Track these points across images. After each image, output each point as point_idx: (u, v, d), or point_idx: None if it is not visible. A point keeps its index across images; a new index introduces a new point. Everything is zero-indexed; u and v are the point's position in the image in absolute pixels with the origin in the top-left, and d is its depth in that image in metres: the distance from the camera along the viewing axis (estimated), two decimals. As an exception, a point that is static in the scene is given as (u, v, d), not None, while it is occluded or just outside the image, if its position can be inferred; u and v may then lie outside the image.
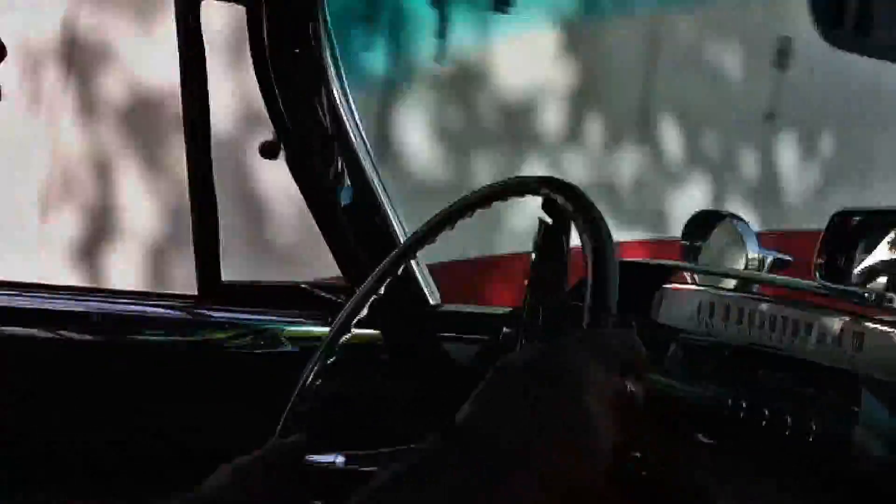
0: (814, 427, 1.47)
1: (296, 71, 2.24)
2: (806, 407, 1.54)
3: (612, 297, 1.06)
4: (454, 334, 2.34)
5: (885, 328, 1.65)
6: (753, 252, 2.17)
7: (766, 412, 1.53)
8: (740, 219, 2.28)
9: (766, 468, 1.61)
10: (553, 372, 0.87)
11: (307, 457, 1.46)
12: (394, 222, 2.37)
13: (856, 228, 1.51)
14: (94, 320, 2.21)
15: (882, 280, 1.53)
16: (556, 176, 1.44)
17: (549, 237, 1.32)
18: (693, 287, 2.06)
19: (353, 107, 2.36)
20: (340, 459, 1.52)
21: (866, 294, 1.46)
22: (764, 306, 1.86)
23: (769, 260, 2.21)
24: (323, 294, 2.40)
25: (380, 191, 2.38)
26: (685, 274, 2.16)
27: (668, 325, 1.99)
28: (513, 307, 2.22)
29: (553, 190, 1.40)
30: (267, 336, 2.34)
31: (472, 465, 0.82)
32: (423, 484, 0.81)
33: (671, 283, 2.09)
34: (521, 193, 1.63)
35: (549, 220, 1.32)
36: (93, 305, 2.27)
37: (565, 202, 1.30)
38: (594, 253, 1.18)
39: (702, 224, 2.32)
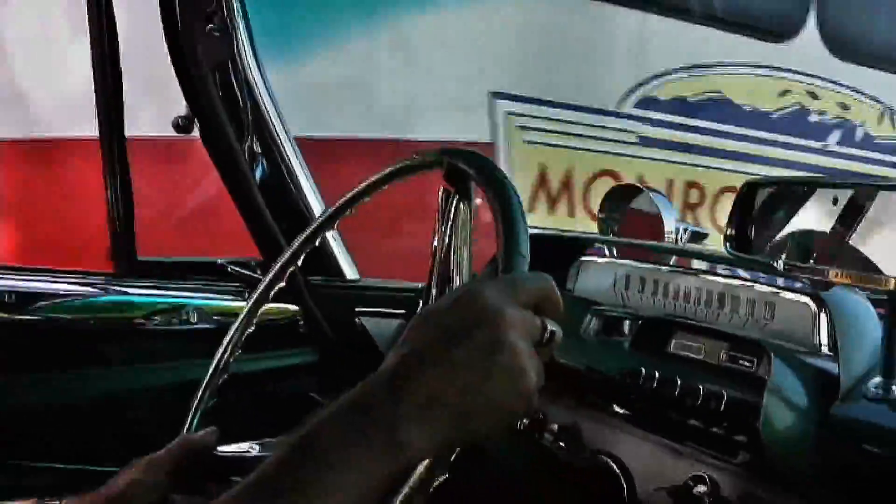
0: (725, 396, 1.48)
1: (208, 46, 2.21)
2: (718, 376, 1.55)
3: (524, 245, 1.06)
4: (371, 309, 2.33)
5: (795, 297, 1.66)
6: (670, 225, 2.18)
7: (679, 382, 1.54)
8: (658, 192, 2.29)
9: (677, 437, 1.62)
10: (472, 312, 0.87)
11: (218, 448, 1.45)
12: (309, 197, 2.35)
13: (765, 198, 1.52)
14: (6, 299, 2.16)
15: (792, 249, 1.54)
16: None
17: (453, 204, 1.32)
18: (609, 259, 2.07)
19: (268, 82, 2.33)
20: (254, 448, 1.50)
21: (776, 263, 1.47)
22: (679, 278, 1.87)
23: (686, 232, 2.22)
24: (239, 270, 2.37)
25: (296, 166, 2.35)
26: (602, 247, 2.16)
27: (584, 297, 1.99)
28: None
29: (454, 158, 1.41)
30: (184, 312, 2.31)
31: (396, 404, 0.82)
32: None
33: (588, 255, 2.09)
34: (429, 167, 1.64)
35: (451, 188, 1.32)
36: (5, 284, 2.22)
37: (468, 167, 1.30)
38: (502, 208, 1.19)
39: (619, 197, 2.33)
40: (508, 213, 1.12)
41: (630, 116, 5.04)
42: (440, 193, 1.30)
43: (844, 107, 5.74)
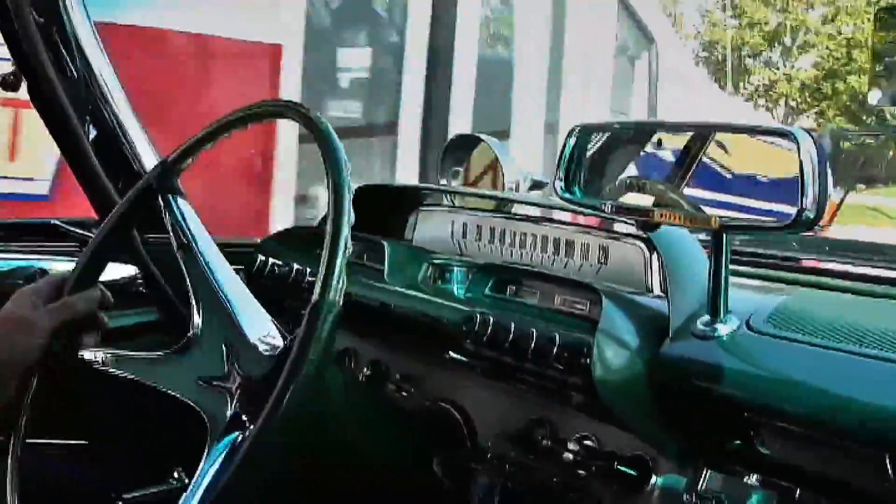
0: (557, 339, 1.48)
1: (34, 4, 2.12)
2: (552, 320, 1.55)
3: (348, 214, 1.06)
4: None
5: (628, 242, 1.68)
6: (511, 173, 2.18)
7: (513, 326, 1.54)
8: (498, 142, 2.29)
9: (515, 382, 1.62)
10: None
11: None
12: (144, 154, 2.28)
13: (595, 142, 1.52)
14: None
15: (622, 193, 1.55)
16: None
17: None
18: (448, 208, 2.06)
19: (99, 39, 2.24)
20: None
21: (605, 206, 1.47)
22: (516, 225, 1.87)
23: (527, 180, 2.22)
24: (73, 230, 2.29)
25: (129, 122, 2.28)
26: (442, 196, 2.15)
27: (423, 246, 1.98)
28: (267, 236, 2.18)
29: (295, 116, 1.41)
30: (18, 274, 2.23)
31: None
32: None
33: (426, 205, 2.08)
34: (270, 116, 1.62)
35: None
36: None
37: (308, 128, 1.31)
38: (331, 179, 1.20)
39: (459, 147, 2.32)
40: (338, 188, 1.13)
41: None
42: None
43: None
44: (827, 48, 24.56)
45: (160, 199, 1.58)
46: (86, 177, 2.23)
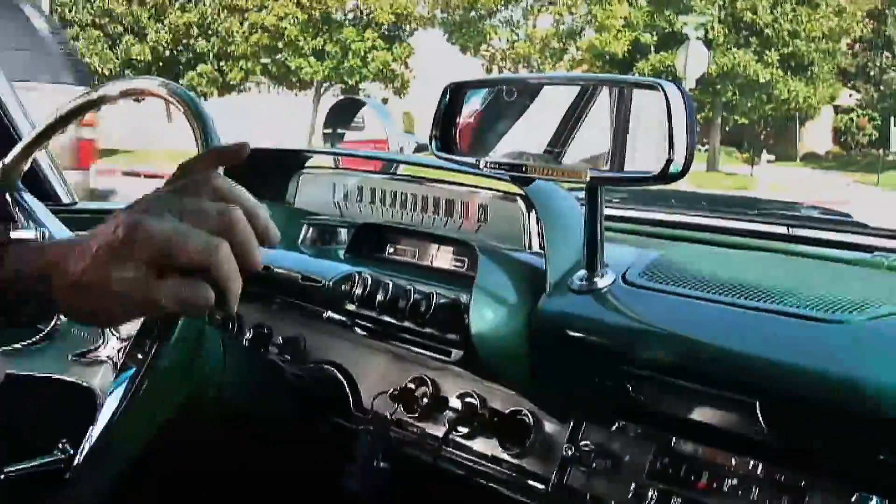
0: (434, 296, 1.45)
1: None
2: (429, 278, 1.52)
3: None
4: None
5: (505, 199, 1.66)
6: (394, 137, 2.16)
7: (390, 284, 1.51)
8: (381, 105, 2.26)
9: (395, 341, 1.60)
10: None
11: None
12: (18, 119, 2.20)
13: (468, 99, 1.48)
14: None
15: (501, 149, 1.53)
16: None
17: None
18: (328, 171, 2.02)
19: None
20: None
21: (479, 162, 1.45)
22: (396, 185, 1.83)
23: (412, 144, 2.21)
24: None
25: (2, 88, 2.20)
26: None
27: (304, 208, 1.94)
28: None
29: (169, 93, 1.38)
30: None
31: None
32: None
33: (307, 168, 2.04)
34: (141, 93, 1.56)
35: None
36: None
37: (178, 104, 1.28)
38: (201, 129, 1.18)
39: (343, 111, 2.29)
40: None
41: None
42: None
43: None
44: (565, 4, 24.05)
45: (8, 196, 1.53)
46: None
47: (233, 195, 0.86)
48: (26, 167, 1.53)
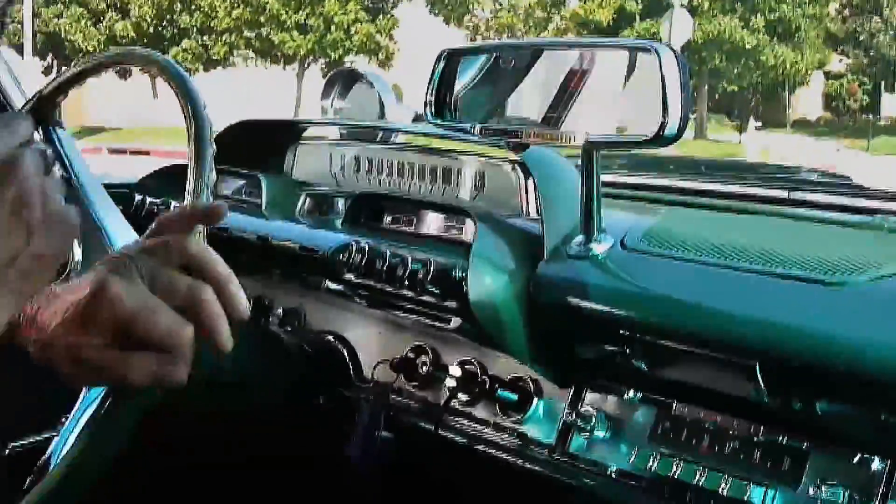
0: (432, 263, 1.45)
1: None
2: (427, 246, 1.52)
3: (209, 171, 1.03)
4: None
5: (502, 166, 1.65)
6: (393, 108, 2.15)
7: (388, 252, 1.51)
8: (378, 78, 2.24)
9: (394, 309, 1.60)
10: None
11: None
12: (10, 90, 2.17)
13: (462, 65, 1.48)
14: None
15: (498, 116, 1.52)
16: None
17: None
18: (326, 142, 2.01)
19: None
20: None
21: (474, 129, 1.44)
22: (393, 155, 1.82)
23: (410, 114, 2.19)
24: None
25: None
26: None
27: (301, 179, 1.94)
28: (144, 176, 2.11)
29: (155, 66, 1.35)
30: None
31: None
32: None
33: (305, 139, 2.03)
34: (130, 63, 1.54)
35: None
36: None
37: (168, 79, 1.26)
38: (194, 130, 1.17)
39: (340, 83, 2.27)
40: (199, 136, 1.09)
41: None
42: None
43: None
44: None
45: (40, 130, 1.50)
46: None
47: (205, 264, 0.84)
48: (62, 101, 1.49)
